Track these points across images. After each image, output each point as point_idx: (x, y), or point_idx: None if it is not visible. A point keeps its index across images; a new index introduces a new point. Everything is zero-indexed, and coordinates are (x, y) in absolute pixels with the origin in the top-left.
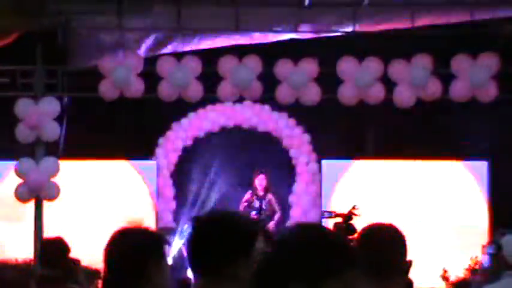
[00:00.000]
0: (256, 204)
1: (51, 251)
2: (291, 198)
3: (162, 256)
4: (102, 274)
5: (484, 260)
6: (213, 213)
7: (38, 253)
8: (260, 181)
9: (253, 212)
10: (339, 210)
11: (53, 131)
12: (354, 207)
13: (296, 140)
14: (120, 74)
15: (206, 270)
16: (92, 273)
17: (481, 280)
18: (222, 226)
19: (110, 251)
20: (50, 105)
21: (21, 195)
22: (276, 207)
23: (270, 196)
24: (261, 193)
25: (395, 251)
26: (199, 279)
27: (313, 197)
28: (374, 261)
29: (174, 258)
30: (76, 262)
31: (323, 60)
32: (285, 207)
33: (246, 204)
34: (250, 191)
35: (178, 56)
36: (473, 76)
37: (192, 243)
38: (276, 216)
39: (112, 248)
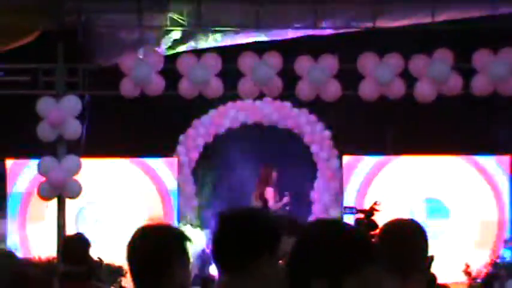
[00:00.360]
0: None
1: (74, 247)
2: (312, 195)
3: (184, 253)
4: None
5: (506, 254)
6: (238, 210)
7: (61, 250)
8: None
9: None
10: (360, 206)
11: (74, 129)
12: (375, 203)
13: (317, 136)
14: (140, 72)
15: (230, 266)
16: (115, 271)
17: (503, 275)
18: (247, 223)
19: (132, 249)
20: (72, 104)
21: (44, 193)
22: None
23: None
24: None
25: (416, 246)
26: (224, 275)
27: (335, 193)
28: (395, 257)
29: (197, 255)
30: (98, 258)
31: (343, 56)
32: (306, 204)
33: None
34: (271, 188)
35: (198, 53)
36: (494, 71)
37: (217, 239)
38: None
39: (134, 246)
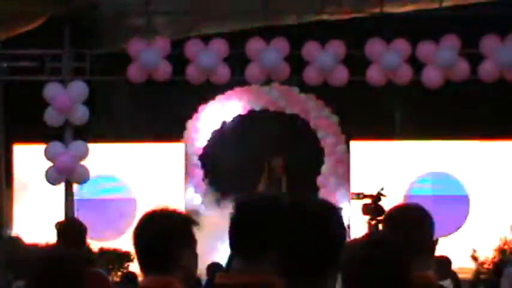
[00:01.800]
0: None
1: (69, 232)
2: (319, 180)
3: (191, 236)
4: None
5: None
6: (255, 196)
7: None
8: (279, 163)
9: None
10: (367, 192)
11: (81, 114)
12: (382, 189)
13: (324, 122)
14: (148, 57)
15: (247, 252)
16: (122, 256)
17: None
18: (263, 208)
19: (138, 234)
20: (79, 89)
21: (51, 179)
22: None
23: (285, 179)
24: (278, 176)
25: (422, 230)
26: (239, 260)
27: (342, 178)
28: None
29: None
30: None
31: (351, 41)
32: (314, 189)
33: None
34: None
35: (206, 38)
36: (501, 56)
37: (234, 225)
38: None
39: (141, 231)
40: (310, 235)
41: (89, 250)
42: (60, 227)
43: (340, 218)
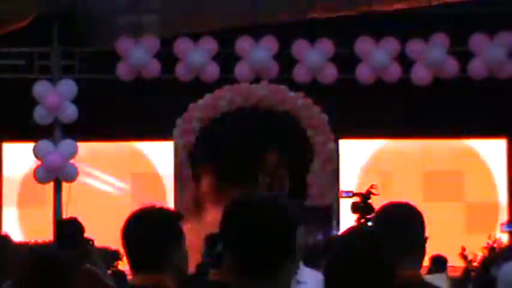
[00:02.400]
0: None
1: (68, 231)
2: (309, 178)
3: (180, 234)
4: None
5: (503, 238)
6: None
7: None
8: (273, 160)
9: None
10: (357, 190)
11: (70, 112)
12: (371, 186)
13: (313, 120)
14: (137, 56)
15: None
16: (111, 254)
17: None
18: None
19: (128, 233)
20: (68, 87)
21: (40, 177)
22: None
23: (281, 172)
24: (271, 170)
25: (412, 228)
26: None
27: (331, 177)
28: (392, 240)
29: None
30: (91, 241)
31: (340, 40)
32: (303, 187)
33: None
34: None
35: (195, 36)
36: (490, 54)
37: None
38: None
39: (130, 230)
40: (255, 230)
41: (88, 249)
42: (58, 227)
43: (284, 209)
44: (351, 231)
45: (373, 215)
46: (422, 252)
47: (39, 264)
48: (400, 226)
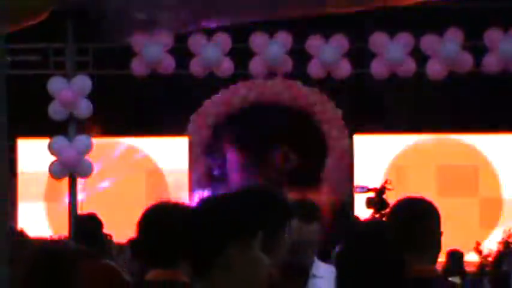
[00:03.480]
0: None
1: (86, 227)
2: (324, 173)
3: None
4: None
5: None
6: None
7: (73, 230)
8: (280, 155)
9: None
10: (371, 185)
11: (85, 108)
12: (386, 182)
13: (328, 115)
14: (151, 51)
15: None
16: (126, 249)
17: None
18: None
19: (143, 229)
20: (82, 83)
21: (55, 173)
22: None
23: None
24: (279, 166)
25: (427, 224)
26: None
27: (346, 172)
28: (407, 236)
29: None
30: (109, 237)
31: (354, 35)
32: (318, 182)
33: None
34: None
35: (209, 32)
36: (505, 49)
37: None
38: None
39: (146, 226)
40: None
41: (105, 244)
42: (77, 222)
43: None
44: (363, 224)
45: (388, 210)
46: (437, 247)
47: (42, 260)
48: (415, 221)
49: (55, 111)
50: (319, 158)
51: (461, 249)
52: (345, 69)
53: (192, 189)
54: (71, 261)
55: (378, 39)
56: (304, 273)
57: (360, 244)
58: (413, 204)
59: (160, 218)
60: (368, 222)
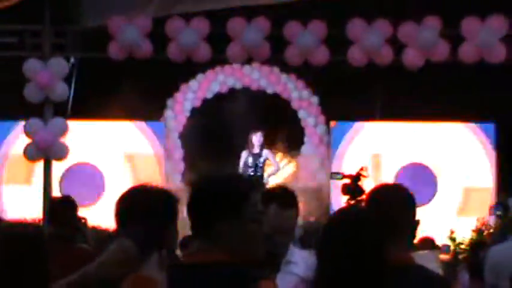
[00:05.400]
0: (250, 162)
1: (61, 209)
2: (300, 160)
3: (176, 215)
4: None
5: (491, 221)
6: (203, 177)
7: (47, 212)
8: (258, 137)
9: (249, 170)
10: (347, 172)
11: (61, 91)
12: (362, 169)
13: (305, 102)
14: (128, 35)
15: (199, 231)
16: (101, 233)
17: (488, 241)
18: (205, 187)
19: (123, 208)
20: (59, 66)
21: (30, 155)
22: (274, 161)
23: (265, 151)
24: (256, 150)
25: (403, 211)
26: (195, 240)
27: (322, 159)
28: (382, 222)
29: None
30: (83, 220)
31: (332, 21)
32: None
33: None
34: (246, 152)
35: (187, 17)
36: (482, 38)
37: (188, 204)
38: (273, 170)
39: (127, 206)
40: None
41: (78, 227)
42: (51, 205)
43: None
44: (339, 212)
45: (364, 197)
46: (412, 235)
47: (5, 243)
48: (391, 209)
49: (31, 93)
50: (295, 145)
51: (436, 237)
52: (322, 55)
53: (167, 174)
54: (38, 244)
55: (355, 26)
56: (275, 259)
57: (339, 228)
58: (390, 191)
59: (137, 201)
60: (346, 208)
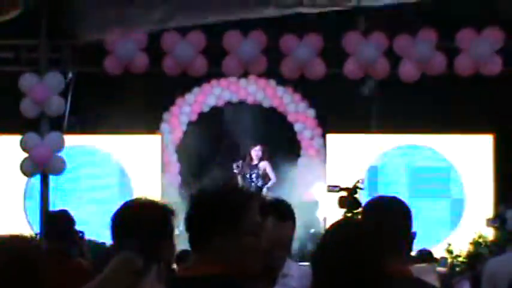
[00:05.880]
0: (247, 174)
1: (57, 223)
2: (296, 173)
3: (172, 228)
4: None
5: (488, 233)
6: (205, 188)
7: (44, 227)
8: (257, 152)
9: (247, 181)
10: (343, 185)
11: (57, 105)
12: (358, 181)
13: (301, 115)
14: (124, 49)
15: (196, 244)
16: (98, 246)
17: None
18: (208, 200)
19: (119, 223)
20: (55, 80)
21: (27, 170)
22: (271, 173)
23: (263, 163)
24: (254, 163)
25: (400, 222)
26: (193, 253)
27: (318, 171)
28: (379, 234)
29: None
30: (80, 234)
31: (328, 35)
32: (291, 182)
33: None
34: (236, 164)
35: (183, 30)
36: (477, 50)
37: (185, 218)
38: (270, 183)
39: (122, 221)
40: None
41: (77, 242)
42: (48, 219)
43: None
44: (336, 223)
45: (360, 209)
46: (409, 247)
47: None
48: (386, 220)
49: (27, 108)
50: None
51: (433, 250)
52: (318, 68)
53: (163, 187)
54: (34, 259)
55: (352, 39)
56: (272, 272)
57: (335, 242)
58: (386, 204)
59: (134, 216)
60: (343, 221)
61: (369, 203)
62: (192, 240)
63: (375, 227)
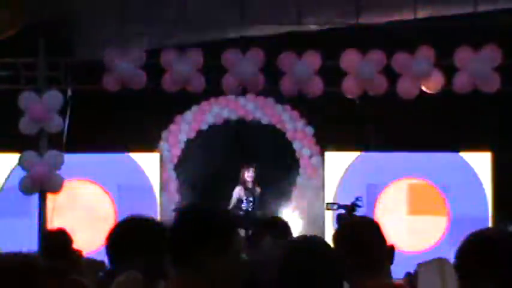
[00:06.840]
0: (249, 197)
1: (55, 242)
2: (295, 191)
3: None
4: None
5: None
6: (190, 206)
7: (41, 245)
8: (250, 173)
9: (244, 205)
10: (342, 202)
11: (56, 123)
12: (357, 199)
13: (299, 133)
14: (123, 67)
15: (181, 262)
16: (96, 265)
17: None
18: (192, 217)
19: (118, 241)
20: (54, 98)
21: (25, 188)
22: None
23: (258, 190)
24: (250, 186)
25: (372, 242)
26: (175, 269)
27: (317, 189)
28: (356, 256)
29: None
30: (79, 253)
31: (326, 52)
32: (289, 200)
33: (236, 199)
34: (240, 187)
35: (181, 48)
36: (475, 68)
37: (170, 236)
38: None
39: (122, 238)
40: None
41: (73, 259)
42: (45, 237)
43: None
44: (294, 241)
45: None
46: (389, 261)
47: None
48: (360, 243)
49: (26, 126)
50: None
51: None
52: (317, 86)
53: (162, 205)
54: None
55: (350, 57)
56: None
57: (297, 255)
58: (355, 226)
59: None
60: (305, 236)
61: (341, 228)
62: (173, 253)
63: (348, 255)
